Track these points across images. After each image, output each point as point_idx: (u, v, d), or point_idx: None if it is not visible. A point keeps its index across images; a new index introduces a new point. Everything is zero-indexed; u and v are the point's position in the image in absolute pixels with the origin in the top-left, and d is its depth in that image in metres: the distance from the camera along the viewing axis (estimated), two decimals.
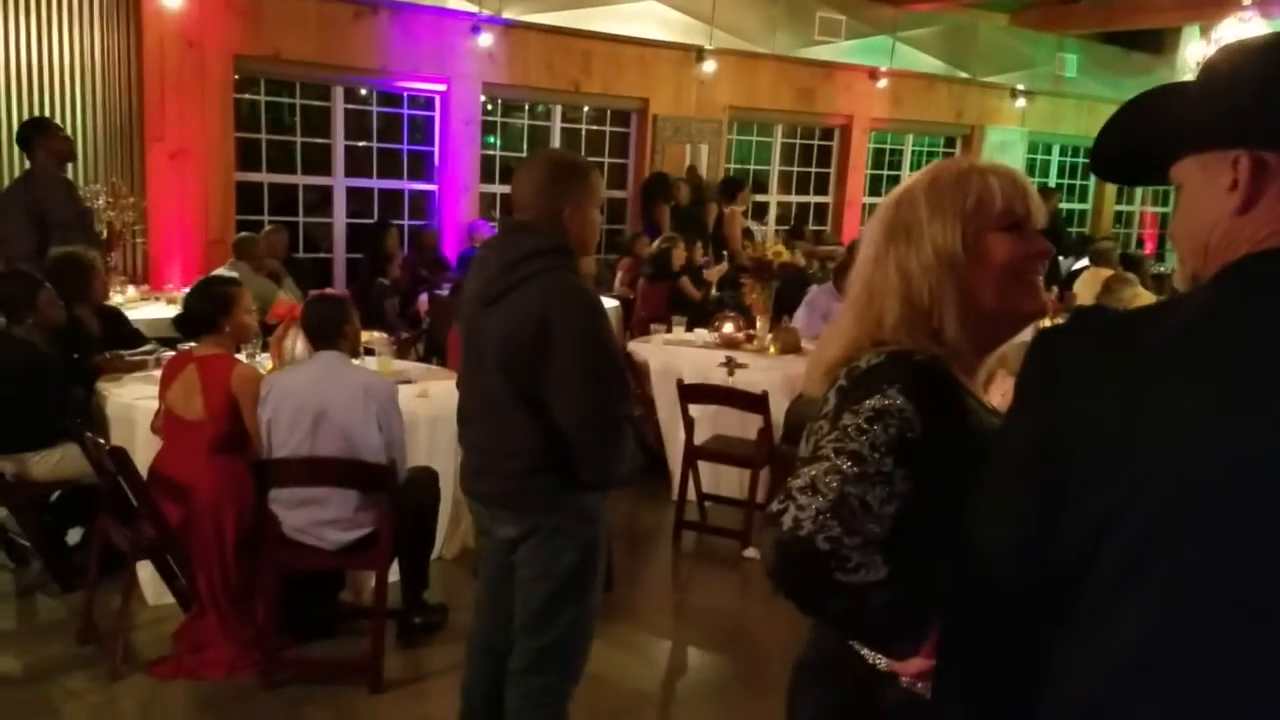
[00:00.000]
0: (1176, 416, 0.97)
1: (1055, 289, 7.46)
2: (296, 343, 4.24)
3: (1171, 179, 1.14)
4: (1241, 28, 7.13)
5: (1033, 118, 12.48)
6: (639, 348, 6.17)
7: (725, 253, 9.22)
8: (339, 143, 8.33)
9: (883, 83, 10.83)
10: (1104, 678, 1.00)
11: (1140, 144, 1.16)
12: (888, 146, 12.16)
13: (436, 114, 8.72)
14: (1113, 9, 10.24)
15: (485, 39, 8.28)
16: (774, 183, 11.30)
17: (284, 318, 4.58)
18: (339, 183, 8.41)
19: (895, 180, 12.01)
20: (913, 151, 12.28)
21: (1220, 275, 1.05)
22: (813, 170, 11.57)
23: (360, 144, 8.52)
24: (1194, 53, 7.81)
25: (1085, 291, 6.87)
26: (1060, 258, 10.05)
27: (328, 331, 3.64)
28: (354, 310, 3.79)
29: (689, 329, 6.62)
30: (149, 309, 6.18)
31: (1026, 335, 1.24)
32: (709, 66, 9.46)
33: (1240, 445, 0.94)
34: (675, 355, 5.88)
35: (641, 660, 3.98)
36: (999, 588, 1.09)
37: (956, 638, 1.16)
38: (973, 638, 1.13)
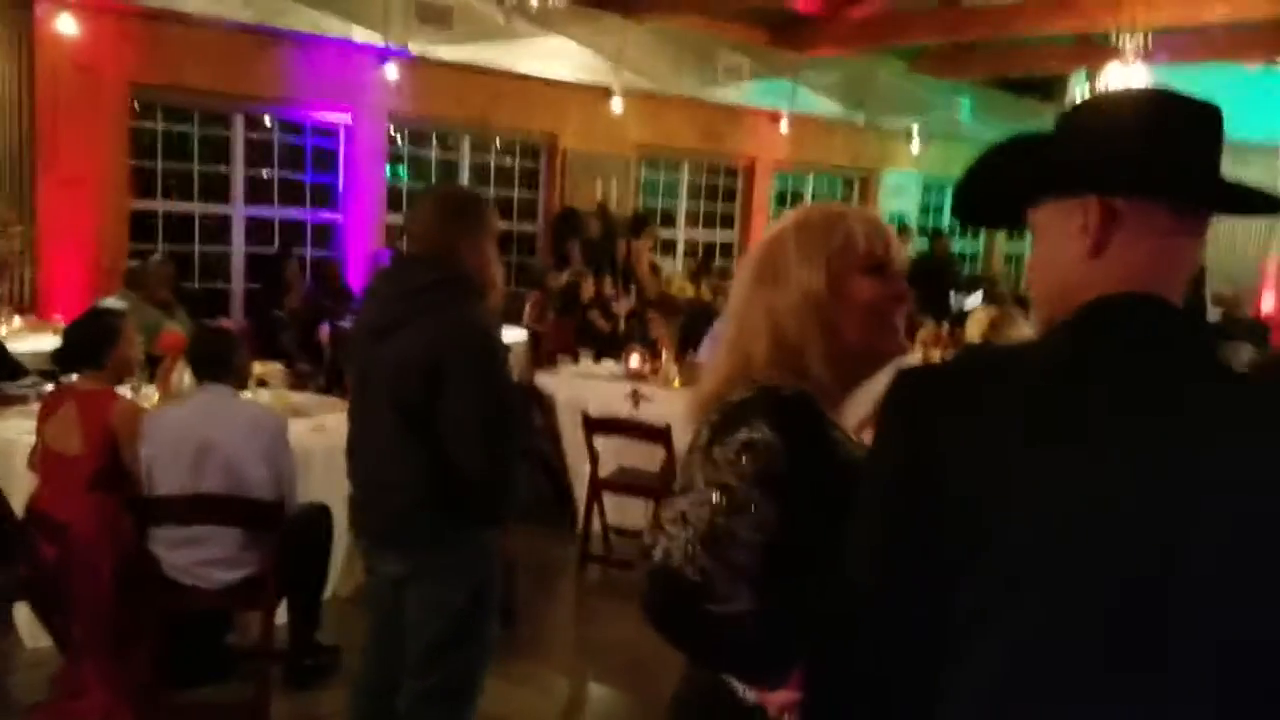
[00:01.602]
0: (1026, 460, 1.00)
1: (946, 325, 7.66)
2: (184, 375, 4.13)
3: (1028, 224, 1.18)
4: (1124, 73, 7.45)
5: (928, 161, 12.86)
6: (546, 380, 6.16)
7: (633, 287, 9.27)
8: (239, 171, 8.17)
9: (784, 126, 11.05)
10: (972, 706, 1.03)
11: (999, 189, 1.20)
12: (789, 188, 12.39)
13: (341, 144, 8.63)
14: (1005, 56, 10.63)
15: (391, 71, 8.23)
16: (682, 219, 11.43)
17: (171, 349, 4.46)
18: (238, 211, 8.24)
19: None
20: (813, 193, 12.53)
21: (1072, 319, 1.08)
22: (719, 207, 11.73)
23: (262, 173, 8.37)
24: (1080, 98, 8.10)
25: (974, 329, 7.07)
26: (952, 293, 10.35)
27: (214, 364, 3.55)
28: (242, 342, 3.71)
29: (596, 361, 6.64)
30: (35, 340, 5.94)
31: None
32: (617, 105, 9.54)
33: (1083, 489, 0.98)
34: (582, 388, 5.88)
35: (544, 697, 3.93)
36: (864, 619, 1.10)
37: (823, 668, 1.18)
38: (839, 668, 1.14)
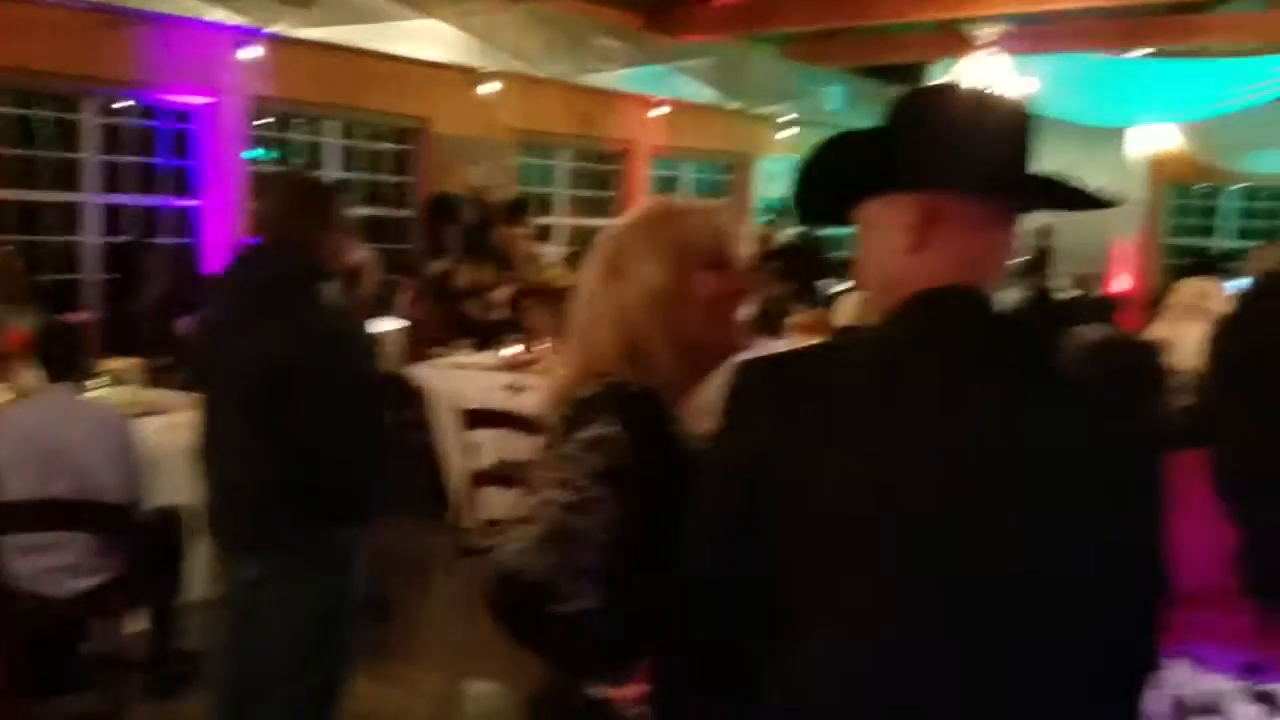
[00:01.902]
0: (852, 450, 1.04)
1: (817, 309, 7.84)
2: (31, 374, 3.92)
3: (858, 219, 1.21)
4: (984, 63, 7.71)
5: (802, 147, 13.05)
6: (421, 371, 6.06)
7: (510, 274, 9.18)
8: (91, 158, 7.78)
9: (660, 111, 11.09)
10: (811, 687, 1.06)
11: (831, 186, 1.23)
12: (674, 173, 12.46)
13: (200, 128, 8.30)
14: (872, 43, 10.88)
15: (252, 52, 7.95)
16: (559, 205, 11.37)
17: (19, 347, 4.23)
18: (91, 199, 7.86)
19: None
20: (693, 178, 12.62)
21: (897, 312, 1.13)
22: (598, 194, 11.71)
23: (116, 159, 7.99)
24: None
25: (844, 313, 7.24)
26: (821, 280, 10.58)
27: (63, 362, 3.40)
28: (89, 338, 3.54)
29: (474, 351, 6.56)
30: None
31: None
32: (491, 88, 9.42)
33: (909, 475, 1.02)
34: (458, 379, 5.81)
35: (417, 696, 3.87)
36: (707, 608, 1.13)
37: (671, 658, 1.20)
38: (686, 658, 1.16)
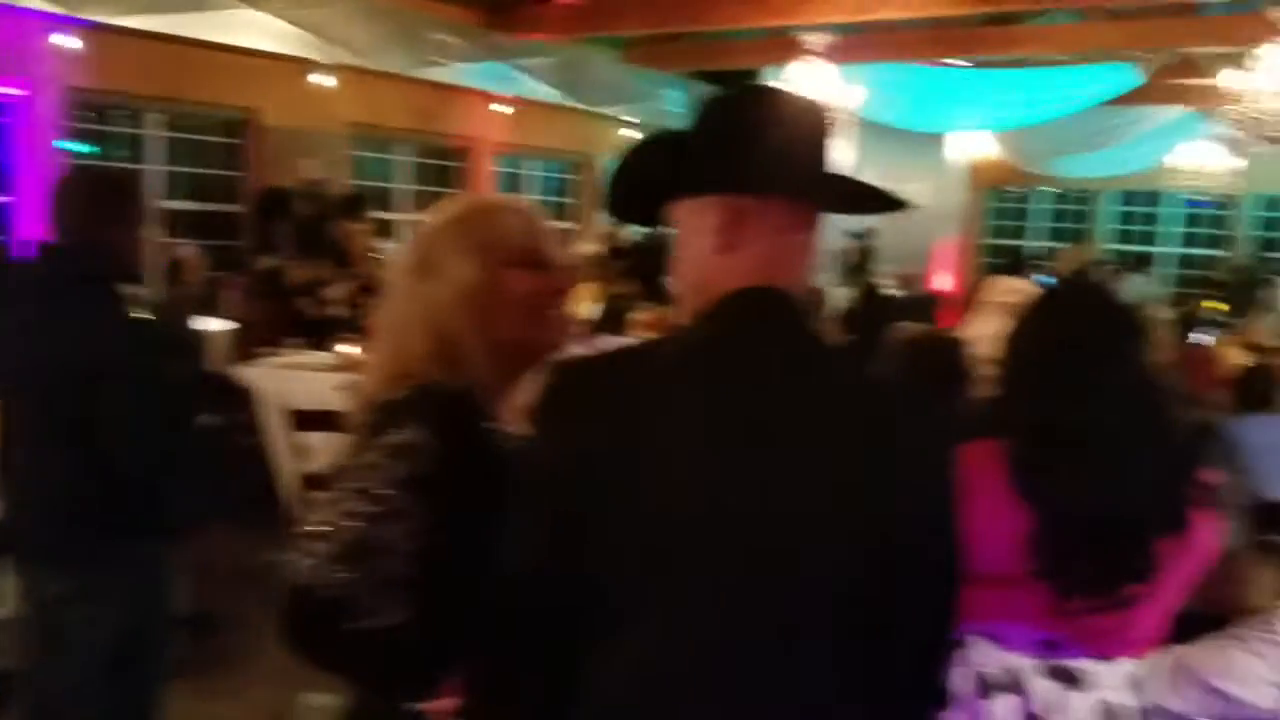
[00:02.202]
0: (663, 450, 1.05)
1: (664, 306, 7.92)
2: None
3: (671, 221, 1.23)
4: (808, 71, 7.95)
5: None
6: (248, 372, 5.84)
7: (347, 271, 8.93)
8: None
9: (502, 108, 11.01)
10: (622, 694, 1.07)
11: (644, 187, 1.24)
12: (521, 171, 12.39)
13: (13, 121, 7.77)
14: (707, 49, 11.07)
15: (68, 41, 7.49)
16: (400, 201, 11.14)
17: None
18: None
19: None
20: (538, 176, 12.58)
21: (706, 314, 1.15)
22: (440, 191, 11.53)
23: None
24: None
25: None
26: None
27: None
28: None
29: (307, 351, 6.36)
30: None
31: None
32: (324, 80, 9.15)
33: (711, 479, 1.04)
34: (290, 380, 5.61)
35: (247, 710, 3.73)
36: (523, 614, 1.11)
37: (485, 668, 1.18)
38: (500, 667, 1.15)
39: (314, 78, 9.13)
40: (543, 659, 1.11)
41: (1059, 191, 15.29)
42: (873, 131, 15.08)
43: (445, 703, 1.24)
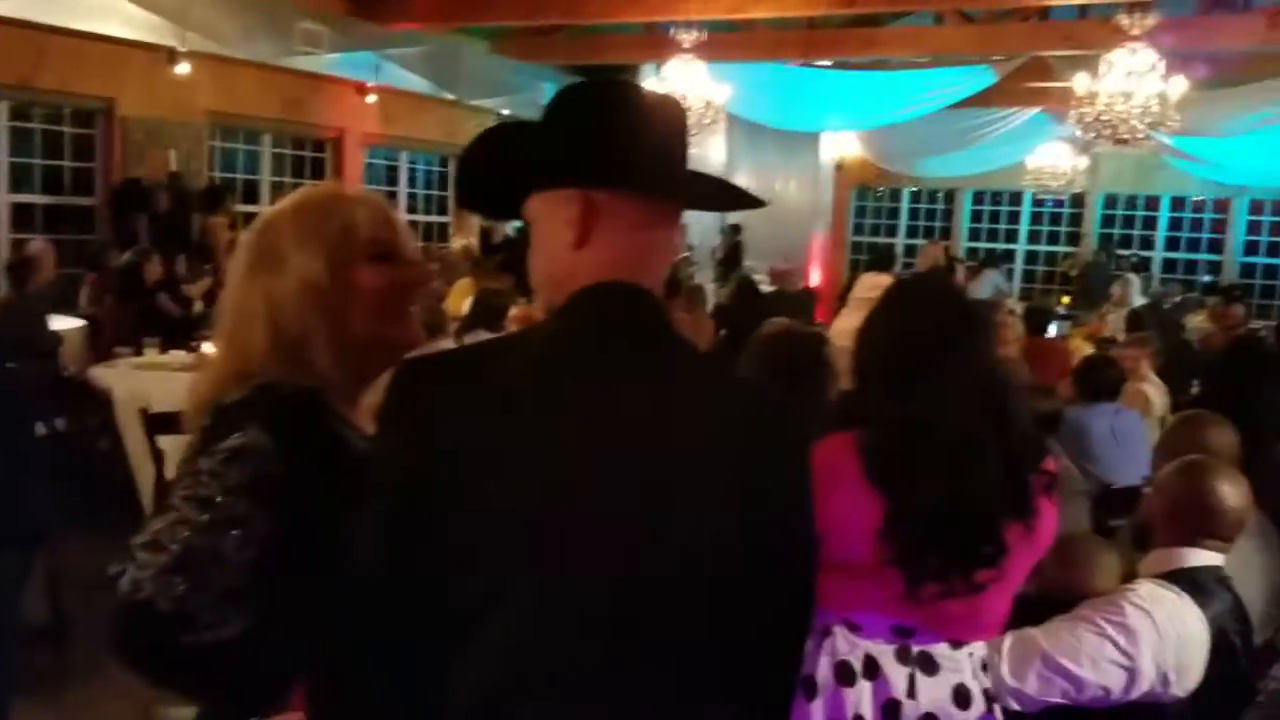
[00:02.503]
0: (514, 447, 1.03)
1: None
2: None
3: (526, 214, 1.20)
4: (685, 68, 8.05)
5: None
6: (103, 373, 5.59)
7: (209, 266, 8.64)
8: None
9: (372, 98, 10.79)
10: (475, 702, 1.04)
11: (494, 179, 1.21)
12: (393, 163, 12.16)
13: None
14: (581, 43, 11.07)
15: None
16: (266, 194, 10.81)
17: None
18: None
19: (392, 196, 12.08)
20: (408, 168, 12.37)
21: (562, 308, 1.13)
22: (307, 181, 11.23)
23: None
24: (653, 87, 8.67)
25: None
26: None
27: None
28: None
29: (164, 350, 6.12)
30: None
31: None
32: (183, 68, 8.81)
33: (562, 477, 1.02)
34: (146, 380, 5.39)
35: None
36: (372, 623, 1.07)
37: (331, 679, 1.12)
38: (348, 678, 1.09)
39: (172, 67, 8.76)
40: (393, 666, 1.06)
41: (919, 190, 15.82)
42: (746, 130, 15.37)
43: (292, 716, 1.19)
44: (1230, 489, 2.28)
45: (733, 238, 12.95)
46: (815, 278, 14.91)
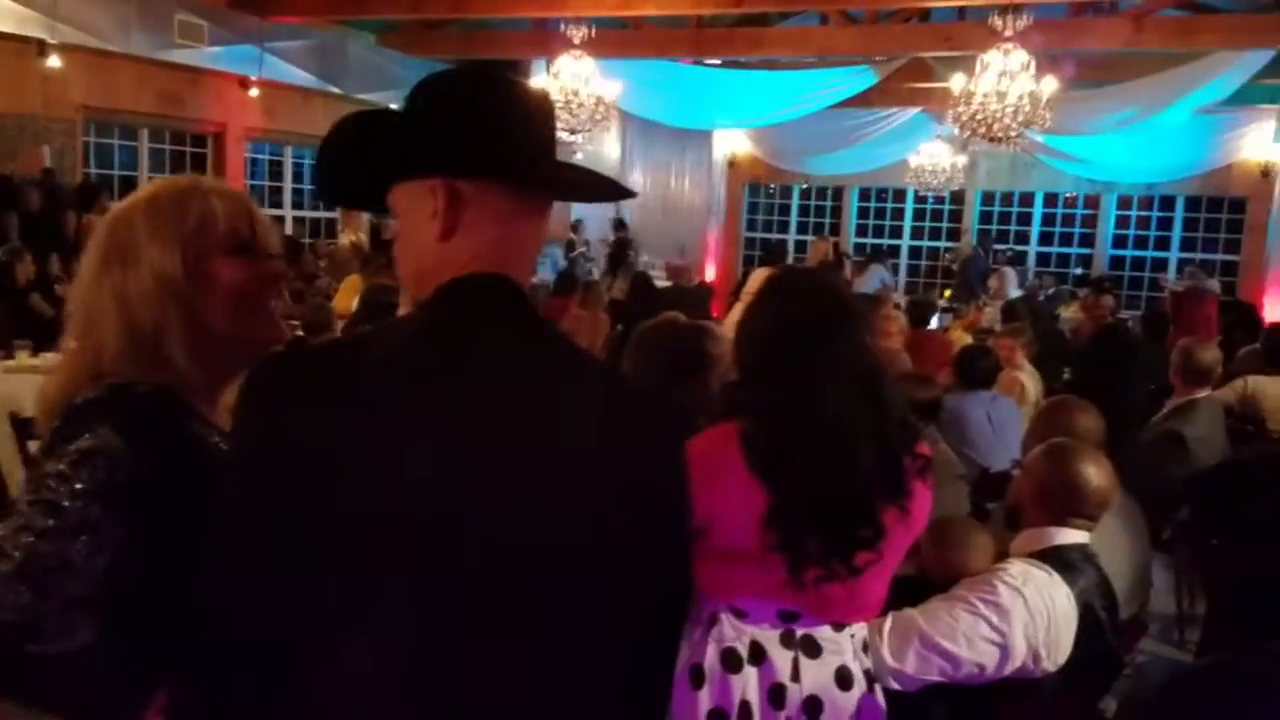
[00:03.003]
0: (374, 445, 1.00)
1: None
2: None
3: (391, 205, 1.17)
4: (575, 65, 8.05)
5: None
6: None
7: None
8: None
9: (254, 92, 10.52)
10: (344, 701, 1.01)
11: (355, 170, 1.18)
12: (278, 158, 11.86)
13: None
14: (470, 37, 10.96)
15: None
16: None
17: None
18: None
19: (277, 192, 11.81)
20: (293, 163, 12.09)
21: (428, 301, 1.11)
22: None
23: None
24: (538, 83, 8.66)
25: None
26: None
27: None
28: None
29: (35, 353, 5.88)
30: None
31: None
32: (54, 61, 8.45)
33: (422, 476, 1.00)
34: (17, 384, 5.17)
35: None
36: (231, 628, 1.03)
37: (190, 687, 1.07)
38: (207, 685, 1.05)
39: (42, 60, 8.40)
40: (253, 673, 1.02)
41: (808, 187, 16.13)
42: (640, 127, 15.45)
43: None
44: (1094, 470, 2.38)
45: (618, 233, 12.99)
46: (710, 273, 15.08)
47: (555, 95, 8.15)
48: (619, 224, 13.46)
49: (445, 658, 1.01)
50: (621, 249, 12.74)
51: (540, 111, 1.17)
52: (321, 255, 10.17)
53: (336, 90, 11.35)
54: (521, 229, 1.15)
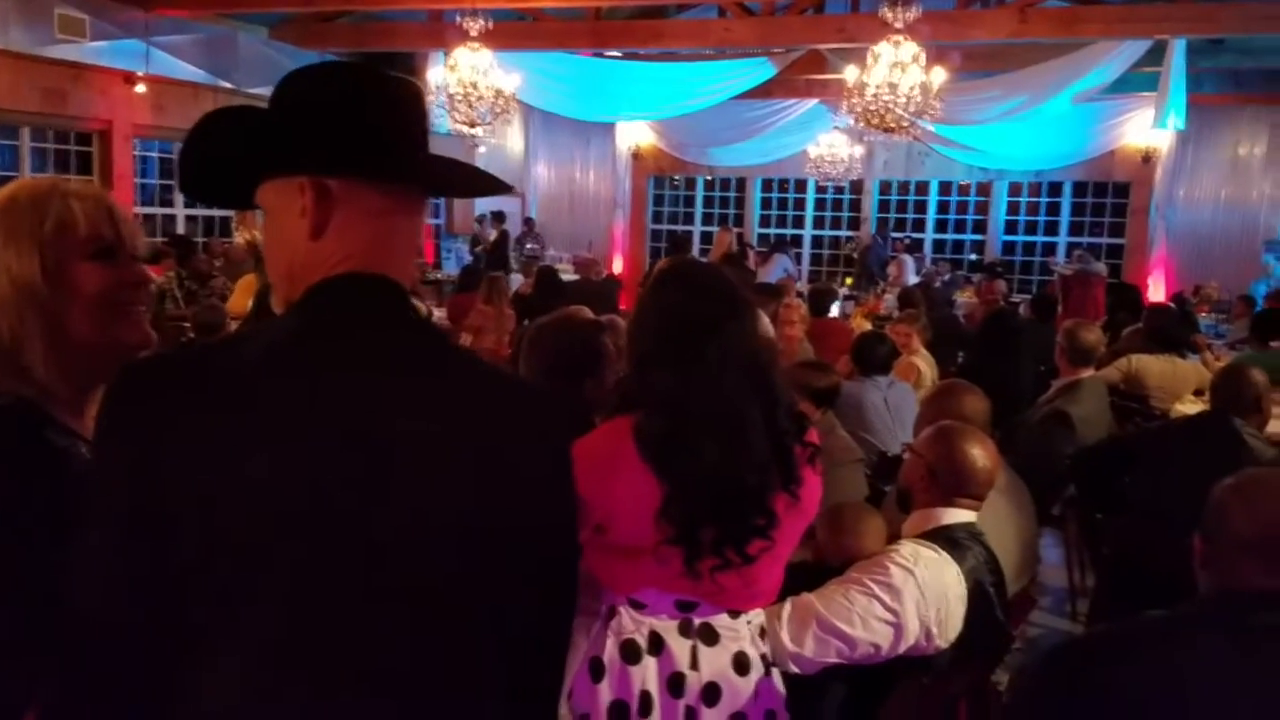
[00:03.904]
0: (250, 455, 0.98)
1: None
2: None
3: (259, 204, 1.14)
4: (474, 58, 7.96)
5: None
6: None
7: None
8: None
9: (141, 88, 10.18)
10: (219, 706, 0.98)
11: (221, 167, 1.14)
12: (170, 155, 11.50)
13: None
14: (365, 30, 10.78)
15: None
16: None
17: None
18: None
19: (168, 189, 11.46)
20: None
21: (298, 303, 1.08)
22: (72, 178, 10.46)
23: None
24: (435, 76, 8.54)
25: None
26: None
27: None
28: None
29: None
30: None
31: None
32: None
33: (305, 481, 0.98)
34: None
35: None
36: (97, 646, 1.00)
37: (65, 697, 1.03)
38: (81, 693, 1.01)
39: None
40: (123, 686, 0.99)
41: (713, 178, 16.26)
42: (543, 120, 15.38)
43: None
44: (979, 451, 2.45)
45: (496, 226, 12.86)
46: (618, 266, 15.11)
47: (454, 88, 8.06)
48: (496, 216, 13.33)
49: (315, 654, 1.00)
50: (501, 244, 12.55)
51: (409, 105, 1.14)
52: (216, 254, 9.91)
53: (228, 85, 11.06)
54: (395, 225, 1.12)
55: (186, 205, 11.66)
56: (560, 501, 1.20)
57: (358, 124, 1.09)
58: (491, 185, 1.23)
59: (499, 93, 8.18)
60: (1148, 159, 13.28)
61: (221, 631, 0.98)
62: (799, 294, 7.97)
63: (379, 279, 1.10)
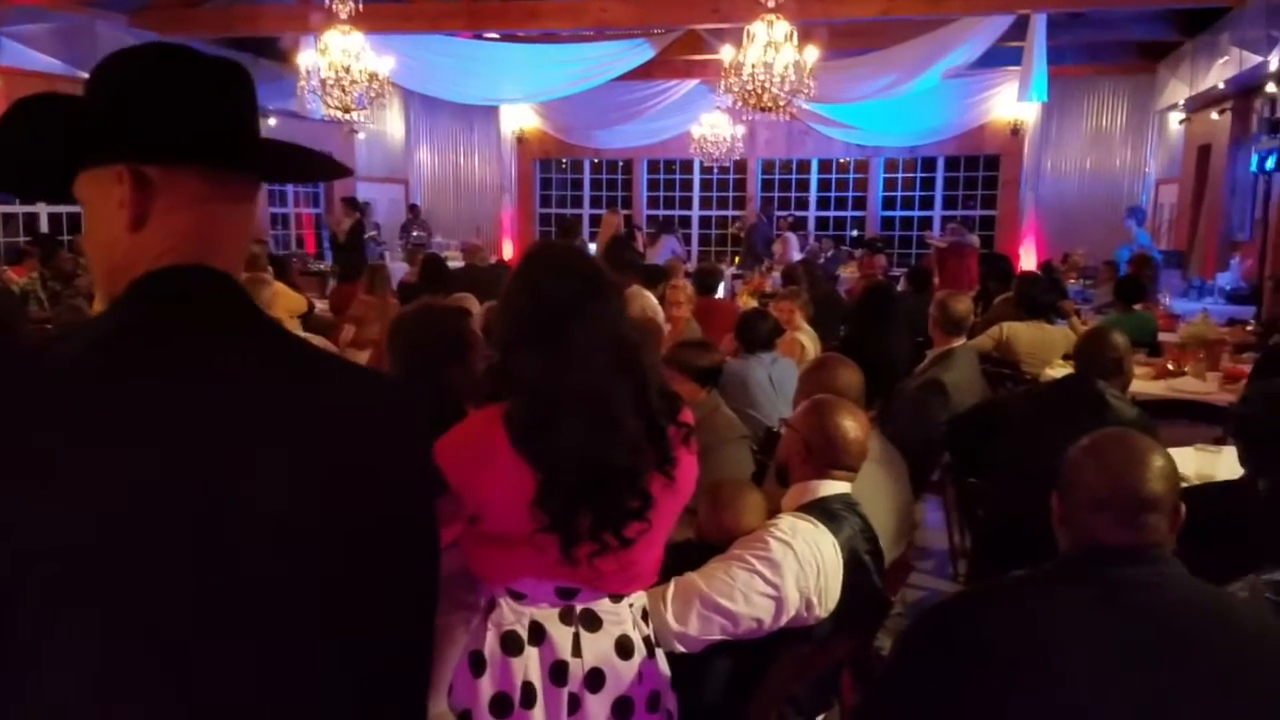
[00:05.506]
0: (68, 460, 0.92)
1: None
2: None
3: (77, 195, 1.08)
4: (345, 41, 7.76)
5: None
6: None
7: None
8: None
9: None
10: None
11: (31, 156, 1.08)
12: None
13: None
14: (232, 15, 10.42)
15: None
16: None
17: None
18: None
19: None
20: None
21: (119, 300, 1.03)
22: None
23: None
24: (306, 60, 8.29)
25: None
26: None
27: None
28: None
29: None
30: None
31: None
32: None
33: (133, 475, 0.93)
34: None
35: None
36: None
37: None
38: None
39: None
40: None
41: (599, 161, 16.25)
42: (424, 103, 15.11)
43: None
44: (851, 423, 2.50)
45: (349, 213, 12.57)
46: (509, 251, 14.98)
47: (325, 72, 7.85)
48: (350, 203, 13.03)
49: (180, 661, 0.95)
50: (357, 230, 12.21)
51: (234, 86, 1.09)
52: (81, 252, 9.48)
53: (86, 76, 10.54)
54: (222, 213, 1.07)
55: (50, 202, 11.13)
56: (413, 501, 1.14)
57: (177, 107, 1.04)
58: (329, 169, 1.19)
59: (373, 76, 8.00)
60: (1016, 132, 13.74)
61: (40, 662, 0.92)
62: (687, 274, 8.02)
63: (205, 271, 1.05)
